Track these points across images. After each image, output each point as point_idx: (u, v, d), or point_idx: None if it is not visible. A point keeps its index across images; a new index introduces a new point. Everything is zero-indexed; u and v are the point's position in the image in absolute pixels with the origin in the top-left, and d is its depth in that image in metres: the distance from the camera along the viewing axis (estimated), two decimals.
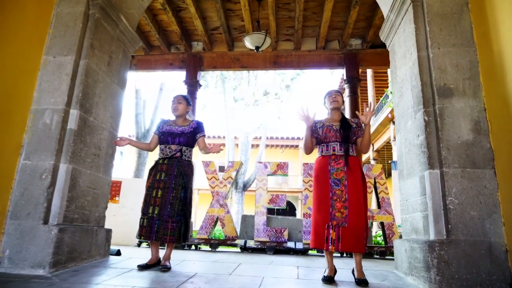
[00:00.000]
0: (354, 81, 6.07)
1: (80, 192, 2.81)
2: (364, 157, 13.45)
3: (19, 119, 2.71)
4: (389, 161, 12.06)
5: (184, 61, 6.49)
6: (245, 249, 4.80)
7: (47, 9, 2.95)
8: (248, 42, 5.15)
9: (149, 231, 2.60)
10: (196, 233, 4.97)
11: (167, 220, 2.61)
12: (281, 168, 5.10)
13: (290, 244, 4.67)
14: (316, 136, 2.62)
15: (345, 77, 6.19)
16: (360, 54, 6.15)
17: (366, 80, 12.33)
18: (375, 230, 9.07)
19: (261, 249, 4.73)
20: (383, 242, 5.04)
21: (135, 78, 10.18)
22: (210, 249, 4.90)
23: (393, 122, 3.24)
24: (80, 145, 2.79)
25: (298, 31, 5.71)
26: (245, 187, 11.72)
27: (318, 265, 3.21)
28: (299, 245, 4.63)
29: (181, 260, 3.23)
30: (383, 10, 3.39)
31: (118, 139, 3.04)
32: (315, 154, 2.65)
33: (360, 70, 6.34)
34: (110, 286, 2.08)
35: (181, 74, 6.59)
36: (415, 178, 2.60)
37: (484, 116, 2.39)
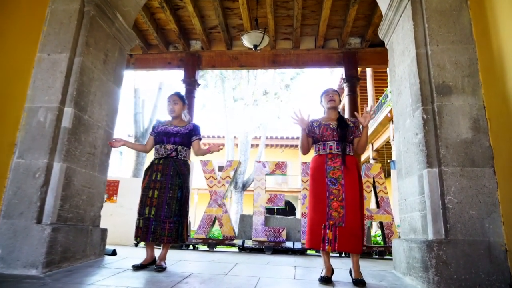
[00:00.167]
0: (353, 80, 6.03)
1: (75, 191, 2.77)
2: (363, 157, 13.41)
3: (13, 117, 2.67)
4: (388, 161, 12.03)
5: (182, 60, 6.46)
6: (243, 249, 4.77)
7: (42, 6, 2.91)
8: (246, 41, 5.12)
9: (146, 232, 2.57)
10: (194, 232, 4.94)
11: (164, 221, 2.57)
12: (279, 168, 5.07)
13: (289, 244, 4.64)
14: (313, 136, 2.59)
15: (344, 76, 6.15)
16: (359, 53, 6.12)
17: (365, 79, 12.30)
18: (375, 229, 9.04)
19: (259, 249, 4.70)
20: (382, 242, 5.01)
21: (134, 77, 10.17)
22: (208, 249, 4.87)
23: (393, 122, 3.22)
24: (75, 144, 2.76)
25: (297, 29, 5.68)
26: (244, 186, 11.69)
27: (315, 265, 3.17)
28: (298, 245, 4.60)
29: (177, 260, 3.20)
30: (382, 8, 3.36)
31: (114, 140, 3.01)
32: (313, 153, 2.62)
33: (359, 69, 6.31)
34: (104, 286, 2.04)
35: (180, 73, 6.54)
36: (414, 177, 2.56)
37: (483, 114, 2.36)
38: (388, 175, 11.95)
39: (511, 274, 2.05)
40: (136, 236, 2.59)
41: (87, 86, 2.91)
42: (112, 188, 5.84)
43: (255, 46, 5.09)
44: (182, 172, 2.70)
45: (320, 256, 4.09)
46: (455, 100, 2.41)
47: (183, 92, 6.32)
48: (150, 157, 3.03)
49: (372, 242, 5.22)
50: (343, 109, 13.68)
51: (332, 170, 2.42)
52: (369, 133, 11.67)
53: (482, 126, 2.34)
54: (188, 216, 2.75)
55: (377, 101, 11.77)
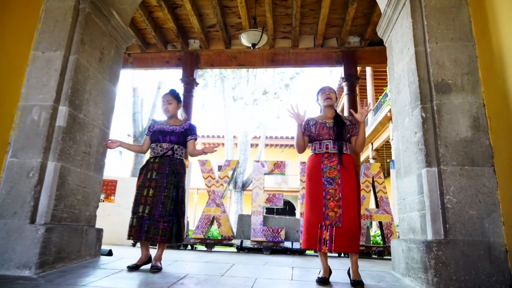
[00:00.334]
0: (353, 79, 6.00)
1: (69, 191, 2.74)
2: (363, 156, 13.38)
3: (7, 116, 2.64)
4: (388, 160, 11.99)
5: (180, 59, 6.43)
6: (241, 249, 4.73)
7: (36, 3, 2.88)
8: (244, 39, 5.09)
9: (139, 231, 2.53)
10: (192, 232, 4.90)
11: (159, 220, 2.54)
12: (278, 167, 5.03)
13: (287, 244, 4.61)
14: (309, 134, 2.55)
15: (343, 75, 6.12)
16: (359, 51, 6.08)
17: (365, 78, 12.27)
18: (374, 229, 9.01)
19: (257, 249, 4.66)
20: (381, 242, 4.97)
21: (132, 77, 10.13)
22: (206, 249, 4.83)
23: (392, 122, 3.20)
24: (69, 143, 2.73)
25: (296, 28, 5.64)
26: (244, 186, 11.66)
27: (313, 266, 3.14)
28: (296, 245, 4.56)
29: (174, 260, 3.16)
30: (380, 6, 3.33)
31: (110, 141, 2.99)
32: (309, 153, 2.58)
33: (359, 68, 6.27)
34: (97, 287, 2.01)
35: (179, 72, 6.50)
36: (413, 177, 2.53)
37: (483, 112, 2.32)
38: (387, 174, 11.91)
39: (511, 275, 2.01)
40: (129, 235, 2.56)
41: (82, 84, 2.87)
42: (110, 188, 5.81)
43: (254, 45, 5.05)
44: (177, 171, 2.67)
45: (318, 256, 4.05)
46: (455, 98, 2.37)
47: (181, 91, 6.30)
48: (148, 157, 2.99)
49: (371, 242, 5.19)
50: (342, 108, 13.63)
51: (329, 169, 2.38)
52: (368, 132, 11.74)
53: (482, 125, 2.30)
54: (184, 216, 2.71)
55: (376, 101, 11.73)
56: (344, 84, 6.11)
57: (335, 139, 2.43)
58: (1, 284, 2.03)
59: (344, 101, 6.41)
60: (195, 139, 2.84)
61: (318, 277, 2.30)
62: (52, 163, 2.57)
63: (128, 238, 2.58)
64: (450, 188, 2.22)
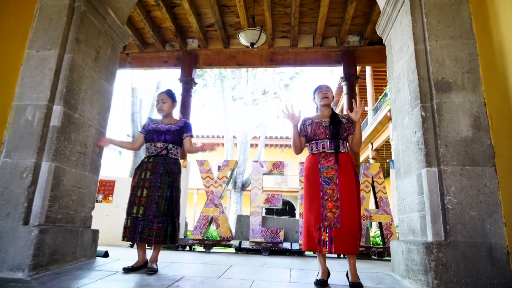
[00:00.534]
0: (352, 79, 5.96)
1: (64, 192, 2.70)
2: (363, 156, 13.34)
3: (0, 115, 2.60)
4: (388, 160, 11.95)
5: (179, 59, 6.39)
6: (240, 250, 4.69)
7: (31, 1, 2.84)
8: (243, 39, 5.05)
9: (133, 232, 2.50)
10: (191, 233, 4.86)
11: (153, 221, 2.50)
12: (277, 167, 4.99)
13: (286, 245, 4.57)
14: (305, 135, 2.52)
15: (342, 75, 6.08)
16: (358, 51, 6.04)
17: (365, 78, 12.22)
18: (374, 230, 8.96)
19: (256, 250, 4.63)
20: (381, 243, 4.93)
21: (131, 77, 10.09)
22: (204, 250, 4.79)
23: (392, 122, 3.16)
24: (64, 143, 2.69)
25: (295, 27, 5.60)
26: (243, 186, 11.62)
27: (312, 268, 3.10)
28: (295, 246, 4.52)
29: (170, 262, 3.12)
30: (380, 4, 3.29)
31: (99, 140, 2.96)
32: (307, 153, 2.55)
33: (358, 67, 6.23)
34: None
35: (177, 72, 6.46)
36: (412, 177, 2.49)
37: (484, 111, 2.28)
38: (387, 175, 11.87)
39: None
40: (124, 236, 2.52)
41: (77, 83, 2.83)
42: (108, 188, 5.76)
43: (252, 44, 5.02)
44: (172, 171, 2.63)
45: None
46: (455, 97, 2.33)
47: (180, 90, 6.26)
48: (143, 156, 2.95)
49: (371, 242, 5.15)
50: (342, 109, 13.59)
51: (326, 169, 2.34)
52: (368, 132, 11.69)
53: (483, 124, 2.26)
54: (179, 216, 2.67)
55: (376, 100, 11.69)
56: (343, 83, 6.07)
57: (331, 138, 2.39)
58: None
59: (343, 101, 6.36)
60: (191, 136, 2.80)
61: (317, 279, 2.26)
62: (46, 163, 2.53)
63: (123, 240, 2.54)
64: (450, 188, 2.18)
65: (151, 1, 5.27)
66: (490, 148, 2.21)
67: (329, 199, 2.28)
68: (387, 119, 9.88)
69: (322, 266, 2.32)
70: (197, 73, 11.08)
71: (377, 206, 4.70)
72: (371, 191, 4.78)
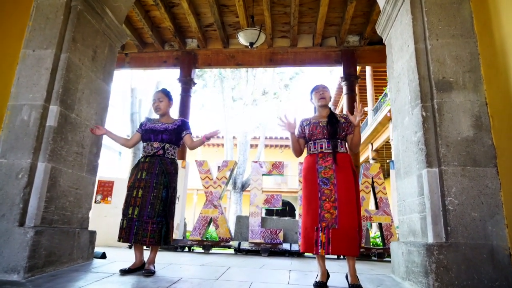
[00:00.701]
0: (352, 79, 5.93)
1: (61, 192, 2.67)
2: (363, 157, 13.30)
3: None
4: (388, 161, 11.92)
5: (178, 59, 6.36)
6: (239, 251, 4.66)
7: (27, 0, 2.81)
8: (242, 38, 5.02)
9: (128, 233, 2.47)
10: (190, 234, 4.83)
11: (147, 222, 2.47)
12: (276, 168, 4.96)
13: (286, 246, 4.53)
14: (303, 136, 2.49)
15: (342, 75, 6.05)
16: (358, 51, 6.01)
17: (365, 78, 12.19)
18: (374, 231, 8.93)
19: (255, 251, 4.59)
20: (381, 244, 4.90)
21: (130, 77, 10.06)
22: (203, 251, 4.76)
23: (392, 122, 3.12)
24: (61, 143, 2.66)
25: (294, 27, 5.58)
26: (243, 187, 11.58)
27: (311, 269, 3.07)
28: (295, 247, 4.49)
29: (168, 263, 3.09)
30: (380, 3, 3.26)
31: (95, 127, 2.83)
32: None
33: (358, 68, 6.21)
34: None
35: (176, 72, 6.43)
36: (413, 177, 2.46)
37: (485, 111, 2.25)
38: (387, 175, 11.83)
39: None
40: (119, 237, 2.49)
41: (74, 83, 2.81)
42: (107, 189, 5.73)
43: (251, 44, 4.99)
44: (168, 171, 2.60)
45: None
46: (456, 97, 2.30)
47: (179, 91, 6.23)
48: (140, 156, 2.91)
49: (371, 243, 5.11)
50: (342, 109, 13.55)
51: (324, 169, 2.31)
52: (368, 133, 11.65)
53: (484, 124, 2.23)
54: (173, 217, 2.64)
55: (376, 101, 11.66)
56: (343, 83, 6.04)
57: (329, 138, 2.36)
58: None
59: (343, 101, 6.33)
60: (190, 134, 2.77)
61: (316, 281, 2.23)
62: (42, 164, 2.51)
63: (119, 240, 2.51)
64: (451, 189, 2.15)
65: (149, 1, 5.24)
66: (492, 149, 2.18)
67: (327, 199, 2.24)
68: (387, 119, 9.85)
69: (321, 268, 2.29)
70: (197, 73, 11.06)
71: (377, 206, 4.66)
72: (371, 192, 4.74)
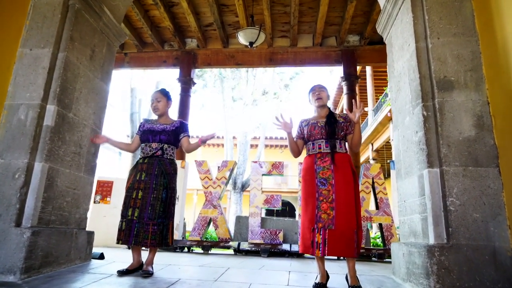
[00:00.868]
0: (352, 79, 5.90)
1: (58, 193, 2.64)
2: (363, 157, 13.27)
3: None
4: (388, 161, 11.88)
5: (177, 58, 6.34)
6: (238, 251, 4.64)
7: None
8: (242, 38, 5.00)
9: (128, 235, 2.44)
10: (189, 234, 4.80)
11: (148, 223, 2.44)
12: (276, 168, 4.93)
13: (285, 246, 4.51)
14: (302, 137, 2.47)
15: (342, 75, 6.02)
16: (358, 50, 5.99)
17: (365, 78, 12.17)
18: (375, 231, 8.90)
19: (255, 252, 4.57)
20: (381, 244, 4.87)
21: (130, 77, 10.03)
22: (202, 251, 4.73)
23: (392, 121, 3.08)
24: (58, 143, 2.63)
25: (294, 27, 5.55)
26: (243, 187, 11.56)
27: (311, 270, 3.04)
28: (295, 247, 4.46)
29: (167, 264, 3.06)
30: (380, 2, 3.23)
31: (96, 136, 2.89)
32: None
33: (358, 67, 6.18)
34: None
35: (176, 72, 6.41)
36: (414, 178, 2.43)
37: (487, 111, 2.22)
38: (388, 175, 11.80)
39: None
40: (118, 239, 2.46)
41: (71, 82, 2.78)
42: (106, 189, 5.70)
43: (251, 43, 4.96)
44: (167, 172, 2.57)
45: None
46: (457, 96, 2.27)
47: (178, 90, 6.21)
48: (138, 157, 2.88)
49: (371, 244, 5.08)
50: (342, 109, 13.53)
51: (322, 170, 2.29)
52: (368, 133, 11.62)
53: (486, 123, 2.20)
54: (173, 218, 2.61)
55: (377, 101, 11.63)
56: (343, 83, 6.01)
57: (327, 138, 2.34)
58: None
59: (344, 101, 6.31)
60: (188, 136, 2.74)
61: (315, 283, 2.21)
62: (39, 164, 2.48)
63: (117, 242, 2.48)
64: (453, 189, 2.12)
65: (149, 0, 5.22)
66: (494, 148, 2.15)
67: (324, 200, 2.22)
68: (388, 119, 9.82)
69: (321, 269, 2.26)
70: (197, 73, 11.04)
71: (377, 207, 4.63)
72: (371, 192, 4.72)
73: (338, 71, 11.93)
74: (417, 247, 2.20)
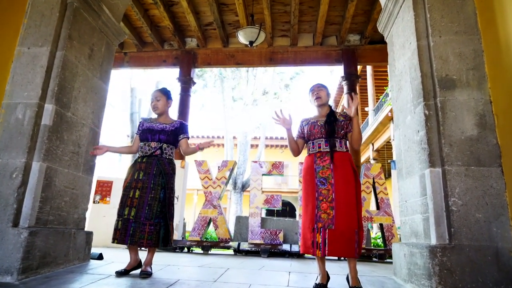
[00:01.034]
0: (352, 78, 5.88)
1: (56, 193, 2.62)
2: (363, 157, 13.24)
3: None
4: (389, 161, 11.85)
5: (177, 58, 6.31)
6: (238, 251, 4.61)
7: None
8: (242, 37, 4.97)
9: (124, 234, 2.41)
10: (189, 234, 4.78)
11: (145, 223, 2.42)
12: (276, 168, 4.91)
13: (286, 247, 4.48)
14: (303, 136, 2.45)
15: (343, 74, 6.00)
16: (359, 50, 5.96)
17: (366, 78, 12.14)
18: (375, 231, 8.87)
19: (255, 252, 4.55)
20: (382, 245, 4.84)
21: (130, 77, 10.02)
22: (202, 251, 4.71)
23: (393, 120, 3.05)
24: (56, 142, 2.61)
25: (294, 26, 5.53)
26: (243, 187, 11.53)
27: (311, 270, 3.02)
28: (295, 248, 4.44)
29: (166, 264, 3.04)
30: (381, 0, 3.20)
31: (95, 149, 2.93)
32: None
33: (359, 67, 6.15)
34: None
35: (176, 72, 6.38)
36: (415, 177, 2.40)
37: (489, 109, 2.19)
38: (388, 175, 11.77)
39: None
40: (114, 239, 2.44)
41: (70, 81, 2.76)
42: (106, 189, 5.68)
43: (251, 43, 4.94)
44: (166, 172, 2.55)
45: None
46: (459, 95, 2.25)
47: (178, 90, 6.18)
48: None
49: (372, 244, 5.06)
50: (343, 109, 13.44)
51: (321, 169, 2.26)
52: (369, 133, 11.59)
53: (489, 123, 2.18)
54: (173, 218, 2.59)
55: (377, 100, 11.60)
56: (344, 83, 5.98)
57: (327, 137, 2.31)
58: None
59: (344, 100, 6.28)
60: (187, 138, 2.72)
61: (316, 284, 2.18)
62: (37, 163, 2.46)
63: (113, 242, 2.46)
64: (455, 189, 2.10)
65: (148, 0, 5.19)
66: (496, 148, 2.13)
67: (324, 199, 2.19)
68: (388, 119, 9.80)
69: (321, 270, 2.24)
70: (197, 73, 11.02)
71: (378, 207, 4.61)
72: (372, 192, 4.69)
73: (338, 70, 11.93)
74: (418, 248, 2.18)
